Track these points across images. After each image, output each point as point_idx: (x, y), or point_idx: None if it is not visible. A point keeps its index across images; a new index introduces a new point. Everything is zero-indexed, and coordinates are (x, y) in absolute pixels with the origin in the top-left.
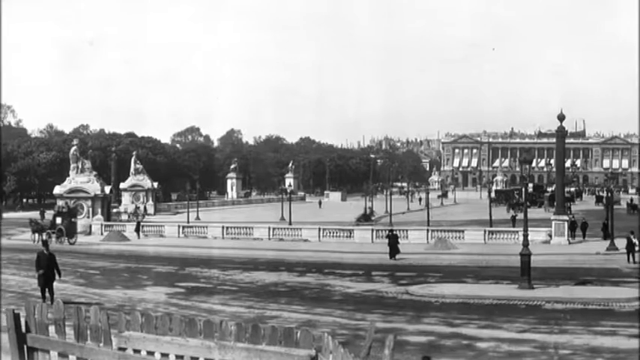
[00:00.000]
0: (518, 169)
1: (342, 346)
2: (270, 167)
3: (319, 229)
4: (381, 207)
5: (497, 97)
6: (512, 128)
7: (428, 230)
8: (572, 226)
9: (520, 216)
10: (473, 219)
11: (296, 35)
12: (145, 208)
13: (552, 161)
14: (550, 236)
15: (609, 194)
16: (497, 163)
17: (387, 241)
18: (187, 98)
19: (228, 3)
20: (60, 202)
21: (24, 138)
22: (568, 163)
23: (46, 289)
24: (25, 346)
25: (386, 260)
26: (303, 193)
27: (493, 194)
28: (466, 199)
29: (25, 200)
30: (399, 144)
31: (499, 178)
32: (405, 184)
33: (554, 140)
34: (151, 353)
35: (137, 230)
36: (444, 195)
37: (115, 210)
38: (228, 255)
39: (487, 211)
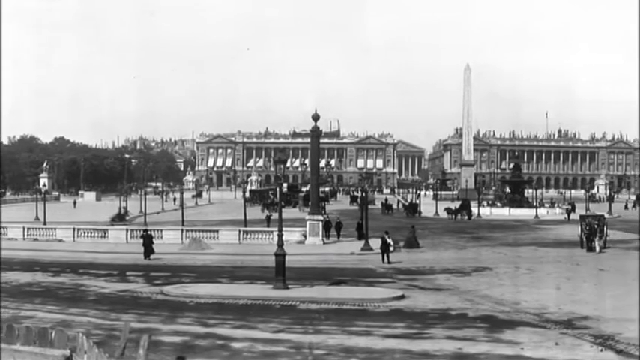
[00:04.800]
0: (272, 169)
1: (96, 346)
2: (24, 167)
3: (74, 229)
4: (135, 207)
5: (253, 97)
6: (267, 128)
7: (182, 230)
8: (327, 226)
9: (275, 216)
10: (227, 219)
11: (52, 34)
12: None
13: (307, 161)
14: (305, 236)
15: (364, 194)
16: (251, 163)
17: (141, 241)
18: None
19: None
20: None
21: None
22: (323, 163)
23: None
24: None
25: (141, 260)
26: (57, 193)
27: (248, 194)
28: (221, 199)
29: None
30: (153, 144)
31: (254, 178)
32: (159, 184)
33: (308, 140)
34: None
35: None
36: (199, 195)
37: None
38: None
39: (242, 211)
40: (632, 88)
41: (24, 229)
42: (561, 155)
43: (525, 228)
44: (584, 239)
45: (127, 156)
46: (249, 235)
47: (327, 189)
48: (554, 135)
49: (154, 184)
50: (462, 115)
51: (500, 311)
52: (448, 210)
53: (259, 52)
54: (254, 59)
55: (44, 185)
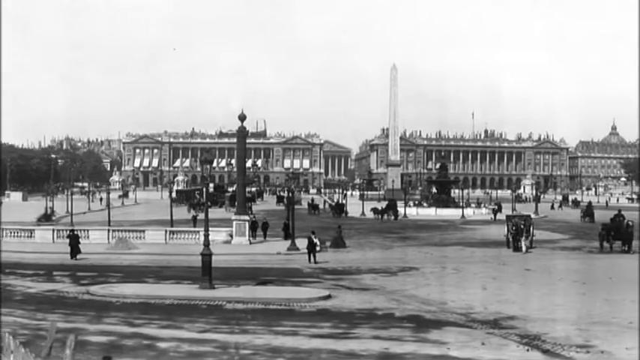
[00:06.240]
0: (199, 169)
1: (23, 346)
2: None
3: (0, 229)
4: (62, 207)
5: (179, 96)
6: (193, 128)
7: (109, 230)
8: (254, 226)
9: (201, 216)
10: (154, 219)
11: None
12: None
13: (233, 161)
14: (231, 236)
15: (290, 194)
16: (178, 163)
17: (68, 241)
18: None
19: None
20: None
21: None
22: (249, 163)
23: None
24: None
25: (67, 260)
26: None
27: (174, 194)
28: (147, 199)
29: None
30: (80, 144)
31: (180, 178)
32: (86, 184)
33: (235, 140)
34: None
35: None
36: (125, 195)
37: None
38: None
39: (168, 211)
40: (557, 88)
41: None
42: (488, 155)
43: (452, 228)
44: (511, 239)
45: (53, 156)
46: (175, 235)
47: (253, 189)
48: (480, 135)
49: (80, 184)
50: (389, 115)
51: (427, 311)
52: (375, 210)
53: (186, 51)
54: (180, 59)
55: None
